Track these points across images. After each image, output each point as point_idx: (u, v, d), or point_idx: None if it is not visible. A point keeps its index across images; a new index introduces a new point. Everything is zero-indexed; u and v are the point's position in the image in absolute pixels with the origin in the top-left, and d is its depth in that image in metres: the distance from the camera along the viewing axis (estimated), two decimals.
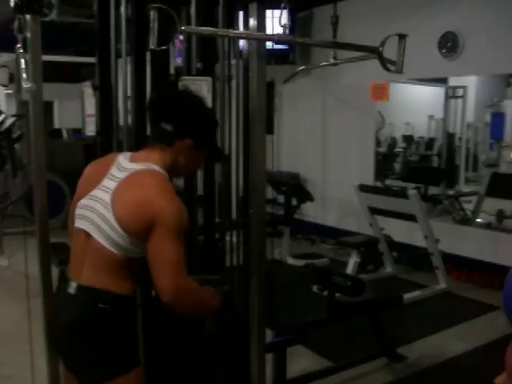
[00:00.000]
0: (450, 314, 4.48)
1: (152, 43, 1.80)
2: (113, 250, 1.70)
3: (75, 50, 7.51)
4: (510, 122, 9.25)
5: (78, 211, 1.81)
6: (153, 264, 1.65)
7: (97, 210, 1.72)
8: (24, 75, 2.07)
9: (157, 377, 2.28)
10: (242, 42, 2.42)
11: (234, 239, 2.56)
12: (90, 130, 2.48)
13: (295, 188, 5.94)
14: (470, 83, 8.01)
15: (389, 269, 5.48)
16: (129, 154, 1.85)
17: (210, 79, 2.30)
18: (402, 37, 2.13)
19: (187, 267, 1.72)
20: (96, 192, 1.76)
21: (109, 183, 1.74)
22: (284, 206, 6.02)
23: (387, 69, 2.10)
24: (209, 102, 2.29)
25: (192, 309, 1.81)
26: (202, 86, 2.26)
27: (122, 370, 1.74)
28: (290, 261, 5.86)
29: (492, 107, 9.21)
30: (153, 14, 1.78)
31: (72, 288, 1.76)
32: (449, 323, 4.21)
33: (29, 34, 2.17)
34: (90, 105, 2.47)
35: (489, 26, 4.93)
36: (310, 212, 6.84)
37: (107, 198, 1.71)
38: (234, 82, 2.50)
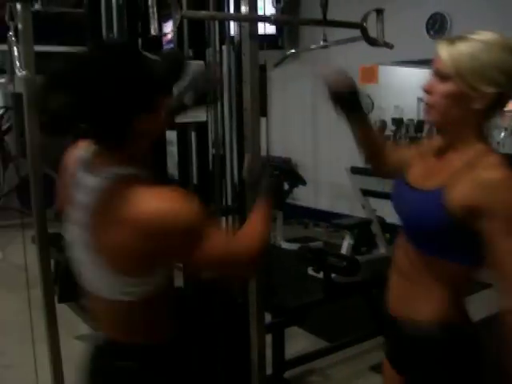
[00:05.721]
0: None
1: (154, 30, 1.80)
2: None
3: (61, 41, 7.44)
4: None
5: None
6: None
7: None
8: (17, 63, 2.06)
9: None
10: (232, 27, 2.43)
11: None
12: None
13: (288, 172, 5.95)
14: None
15: (382, 250, 5.54)
16: None
17: (202, 62, 2.31)
18: (379, 12, 2.21)
19: None
20: None
21: None
22: None
23: (371, 43, 2.16)
24: None
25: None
26: None
27: None
28: (284, 245, 5.90)
29: None
30: (151, 1, 1.79)
31: None
32: None
33: (20, 24, 2.17)
34: None
35: (475, 7, 4.95)
36: (303, 196, 6.87)
37: None
38: (225, 68, 2.51)
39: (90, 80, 1.16)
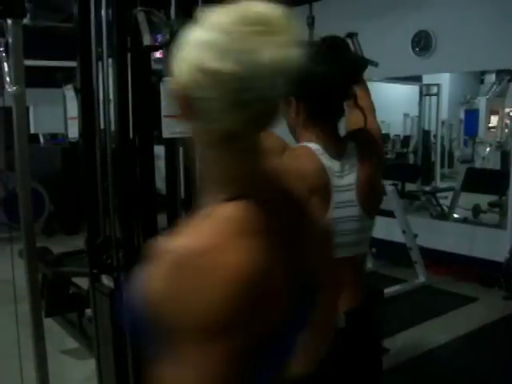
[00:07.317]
0: (429, 307, 4.57)
1: (146, 40, 1.84)
2: None
3: (49, 55, 7.46)
4: (483, 118, 9.41)
5: None
6: None
7: None
8: (7, 79, 2.08)
9: None
10: None
11: None
12: (73, 132, 2.49)
13: None
14: (444, 81, 8.12)
15: (369, 265, 5.56)
16: None
17: None
18: (352, 35, 2.12)
19: None
20: None
21: None
22: None
23: None
24: None
25: None
26: None
27: None
28: None
29: (465, 104, 9.37)
30: (140, 16, 1.82)
31: None
32: (429, 316, 4.30)
33: (10, 39, 2.19)
34: (73, 107, 2.48)
35: (458, 24, 5.04)
36: None
37: None
38: None
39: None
